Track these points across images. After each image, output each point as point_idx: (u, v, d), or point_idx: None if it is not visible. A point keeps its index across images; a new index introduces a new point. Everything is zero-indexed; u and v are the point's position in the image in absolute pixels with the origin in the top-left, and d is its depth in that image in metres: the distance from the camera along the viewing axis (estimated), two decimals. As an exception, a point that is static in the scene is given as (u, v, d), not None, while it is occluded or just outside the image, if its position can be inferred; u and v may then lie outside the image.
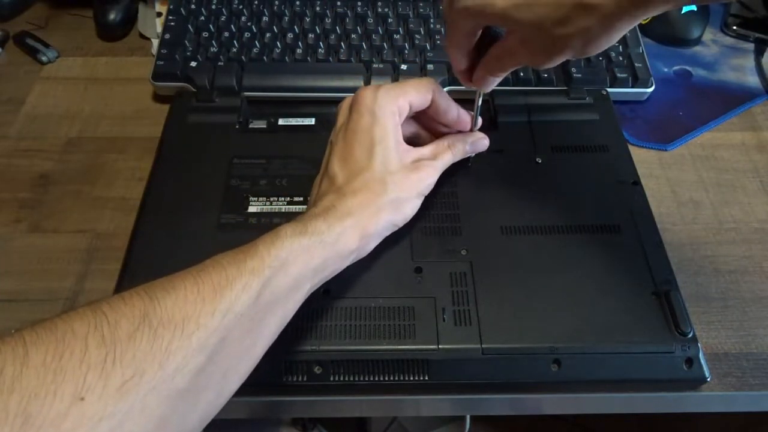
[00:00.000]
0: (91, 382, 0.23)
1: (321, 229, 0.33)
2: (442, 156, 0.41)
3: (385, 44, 0.54)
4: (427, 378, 0.36)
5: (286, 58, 0.53)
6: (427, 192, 0.40)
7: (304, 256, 0.32)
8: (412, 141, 0.41)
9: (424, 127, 0.43)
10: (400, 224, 0.38)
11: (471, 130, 0.43)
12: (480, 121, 0.43)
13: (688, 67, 0.57)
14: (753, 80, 0.56)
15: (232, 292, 0.28)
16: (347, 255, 0.35)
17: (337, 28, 0.55)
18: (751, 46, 0.60)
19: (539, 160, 0.46)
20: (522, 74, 0.52)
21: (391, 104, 0.38)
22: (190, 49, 0.53)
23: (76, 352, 0.23)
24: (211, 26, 0.55)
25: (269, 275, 0.30)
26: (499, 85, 0.50)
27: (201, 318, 0.27)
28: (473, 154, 0.44)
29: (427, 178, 0.39)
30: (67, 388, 0.22)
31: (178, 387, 0.26)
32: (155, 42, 0.59)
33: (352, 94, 0.40)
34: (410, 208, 0.38)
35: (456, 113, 0.41)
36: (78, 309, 0.26)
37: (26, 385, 0.22)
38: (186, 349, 0.26)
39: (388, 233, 0.38)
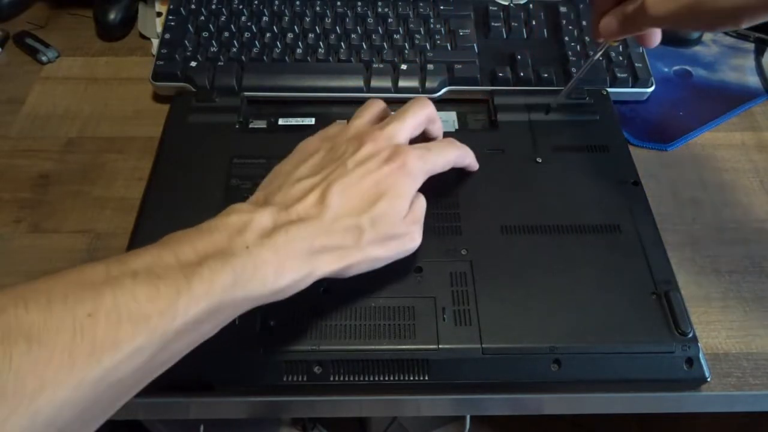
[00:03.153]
0: None
1: (266, 278, 0.29)
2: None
3: (385, 44, 0.54)
4: (427, 378, 0.36)
5: (286, 58, 0.53)
6: (409, 251, 0.36)
7: (243, 304, 0.28)
8: None
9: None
10: (350, 275, 0.34)
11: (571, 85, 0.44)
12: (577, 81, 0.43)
13: (688, 67, 0.57)
14: (753, 80, 0.56)
15: (116, 356, 0.23)
16: (286, 293, 0.30)
17: (337, 28, 0.55)
18: (751, 46, 0.60)
19: (539, 160, 0.46)
20: (522, 74, 0.52)
21: (421, 178, 0.36)
22: (190, 49, 0.53)
23: None
24: (211, 26, 0.55)
25: (175, 335, 0.25)
26: (499, 84, 0.51)
27: (59, 391, 0.21)
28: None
29: (408, 246, 0.36)
30: None
31: None
32: (155, 42, 0.59)
33: (377, 137, 0.36)
34: (370, 266, 0.34)
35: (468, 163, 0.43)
36: None
37: None
38: (28, 427, 0.21)
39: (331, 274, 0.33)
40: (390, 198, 0.34)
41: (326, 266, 0.32)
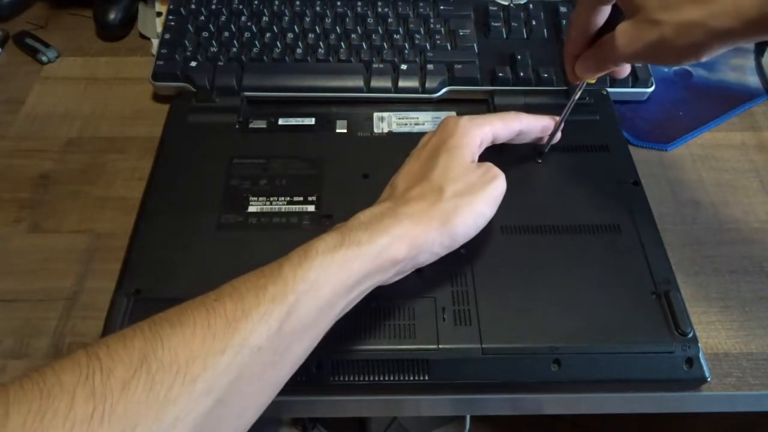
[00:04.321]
0: None
1: (360, 240, 0.31)
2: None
3: (385, 44, 0.54)
4: (427, 378, 0.36)
5: (286, 58, 0.53)
6: (499, 199, 0.37)
7: (339, 274, 0.29)
8: None
9: None
10: (460, 239, 0.35)
11: (554, 132, 0.44)
12: (563, 124, 0.44)
13: (688, 67, 0.57)
14: (753, 80, 0.56)
15: (248, 324, 0.26)
16: (390, 267, 0.32)
17: (337, 28, 0.55)
18: (751, 46, 0.59)
19: (539, 160, 0.46)
20: (522, 74, 0.51)
21: (474, 129, 0.38)
22: (190, 49, 0.53)
23: (61, 408, 0.22)
24: (211, 26, 0.55)
25: (294, 301, 0.28)
26: (499, 84, 0.51)
27: (209, 358, 0.25)
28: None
29: (498, 187, 0.37)
30: None
31: None
32: (155, 42, 0.59)
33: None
34: (467, 220, 0.35)
35: (540, 129, 0.42)
36: (75, 354, 0.24)
37: None
38: (189, 395, 0.24)
39: (444, 248, 0.34)
40: (445, 152, 0.37)
41: (418, 226, 0.33)
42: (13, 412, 0.21)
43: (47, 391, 0.22)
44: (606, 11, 0.37)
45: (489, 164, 0.38)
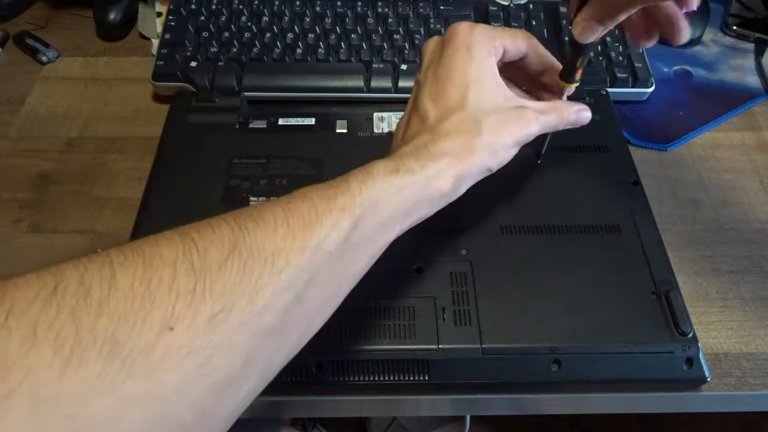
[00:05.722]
0: (181, 312, 0.22)
1: (413, 169, 0.31)
2: (548, 113, 0.38)
3: (385, 44, 0.54)
4: (427, 378, 0.36)
5: (286, 58, 0.53)
6: (524, 142, 0.37)
7: (396, 198, 0.31)
8: None
9: (516, 84, 0.42)
10: (494, 169, 0.36)
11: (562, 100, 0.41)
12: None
13: (688, 67, 0.57)
14: (753, 80, 0.56)
15: (323, 228, 0.27)
16: (439, 198, 0.33)
17: (337, 28, 0.55)
18: (751, 46, 0.60)
19: (539, 161, 0.46)
20: (522, 74, 0.51)
21: (487, 42, 0.36)
22: (190, 49, 0.53)
23: (165, 278, 0.22)
24: (211, 26, 0.55)
25: (359, 214, 0.29)
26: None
27: (291, 254, 0.25)
28: (576, 125, 0.41)
29: (528, 127, 0.36)
30: (156, 315, 0.21)
31: (266, 324, 0.24)
32: (155, 42, 0.59)
33: (436, 37, 0.38)
34: (506, 154, 0.36)
35: (550, 62, 0.40)
36: (164, 233, 0.24)
37: (114, 309, 0.21)
38: (275, 286, 0.25)
39: (481, 177, 0.35)
40: (474, 82, 0.35)
41: (461, 161, 0.33)
42: (120, 274, 0.22)
43: (149, 260, 0.22)
44: None
45: (528, 108, 0.37)
